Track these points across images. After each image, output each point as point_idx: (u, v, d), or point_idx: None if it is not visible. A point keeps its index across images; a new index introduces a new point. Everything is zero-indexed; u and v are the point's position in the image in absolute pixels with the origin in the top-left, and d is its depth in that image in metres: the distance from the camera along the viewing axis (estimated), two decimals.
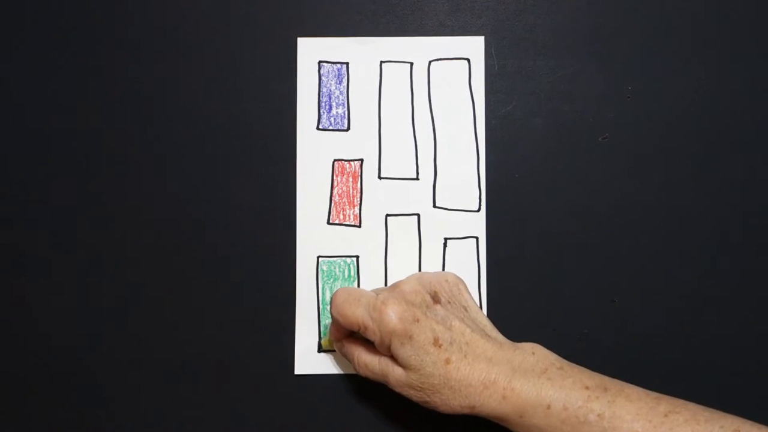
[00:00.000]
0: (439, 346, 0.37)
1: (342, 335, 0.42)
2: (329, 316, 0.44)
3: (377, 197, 0.45)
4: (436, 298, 0.39)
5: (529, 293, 0.44)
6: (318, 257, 0.44)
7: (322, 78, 0.45)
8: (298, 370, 0.44)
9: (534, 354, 0.37)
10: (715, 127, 0.44)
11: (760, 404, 0.35)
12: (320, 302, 0.44)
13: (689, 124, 0.44)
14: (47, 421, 0.44)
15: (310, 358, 0.44)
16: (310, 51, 0.45)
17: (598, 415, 0.34)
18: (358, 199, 0.45)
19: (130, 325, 0.44)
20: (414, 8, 0.45)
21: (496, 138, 0.45)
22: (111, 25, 0.45)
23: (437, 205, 0.45)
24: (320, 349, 0.44)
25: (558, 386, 0.35)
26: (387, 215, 0.45)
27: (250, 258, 0.44)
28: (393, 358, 0.38)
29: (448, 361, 0.36)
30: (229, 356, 0.44)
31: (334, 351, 0.44)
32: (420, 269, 0.44)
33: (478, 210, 0.44)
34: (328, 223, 0.45)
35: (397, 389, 0.38)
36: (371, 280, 0.44)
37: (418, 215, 0.45)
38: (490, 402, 0.36)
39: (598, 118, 0.44)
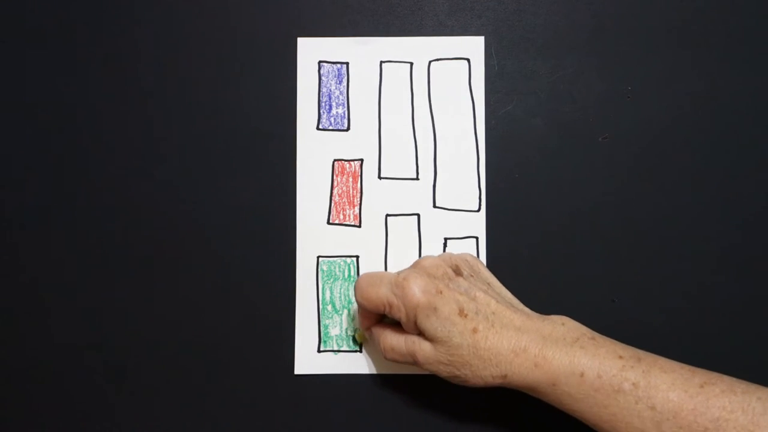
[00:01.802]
0: (465, 316, 0.36)
1: (370, 322, 0.41)
2: (330, 315, 0.44)
3: (377, 197, 0.45)
4: (457, 272, 0.39)
5: (529, 293, 0.44)
6: (318, 257, 0.44)
7: (322, 78, 0.45)
8: (298, 370, 0.44)
9: (564, 325, 0.37)
10: (715, 127, 0.44)
11: None
12: (320, 302, 0.44)
13: (689, 124, 0.44)
14: (47, 422, 0.44)
15: (310, 358, 0.44)
16: (310, 51, 0.45)
17: (633, 384, 0.34)
18: (358, 199, 0.45)
19: (130, 325, 0.44)
20: (414, 8, 0.45)
21: (496, 138, 0.45)
22: (111, 25, 0.45)
23: (437, 205, 0.45)
24: (355, 345, 0.44)
25: (591, 355, 0.35)
26: (387, 215, 0.45)
27: (250, 258, 0.44)
28: (420, 335, 0.38)
29: (475, 331, 0.36)
30: (230, 356, 0.44)
31: (360, 347, 0.44)
32: None
33: (478, 210, 0.44)
34: (328, 223, 0.45)
35: (426, 366, 0.38)
36: None
37: (418, 215, 0.45)
38: (521, 370, 0.35)
39: (598, 118, 0.44)
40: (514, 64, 0.45)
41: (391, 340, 0.39)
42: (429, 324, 0.37)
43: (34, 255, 0.44)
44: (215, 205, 0.44)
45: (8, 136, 0.45)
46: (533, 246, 0.44)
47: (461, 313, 0.36)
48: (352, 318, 0.44)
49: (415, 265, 0.39)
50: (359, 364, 0.44)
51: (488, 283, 0.40)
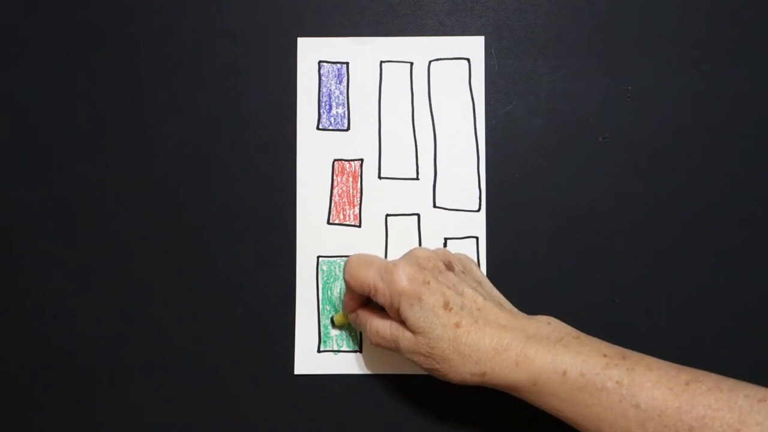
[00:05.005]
0: (449, 310, 0.36)
1: (356, 305, 0.41)
2: (330, 314, 0.44)
3: (377, 197, 0.45)
4: (449, 267, 0.38)
5: (529, 293, 0.44)
6: (318, 257, 0.44)
7: (322, 78, 0.45)
8: (298, 370, 0.44)
9: (549, 324, 0.37)
10: (715, 127, 0.44)
11: None
12: (320, 302, 0.44)
13: (689, 124, 0.44)
14: (47, 422, 0.44)
15: (310, 358, 0.44)
16: (310, 51, 0.45)
17: (617, 382, 0.33)
18: (358, 199, 0.45)
19: (130, 326, 0.44)
20: (414, 8, 0.45)
21: (496, 138, 0.45)
22: (111, 25, 0.45)
23: (437, 205, 0.45)
24: (333, 326, 0.44)
25: (574, 353, 0.34)
26: (387, 215, 0.45)
27: (250, 258, 0.44)
28: (403, 323, 0.37)
29: (458, 325, 0.36)
30: (229, 356, 0.44)
31: (342, 329, 0.44)
32: None
33: (478, 210, 0.44)
34: (328, 223, 0.45)
35: (407, 356, 0.38)
36: None
37: (418, 215, 0.45)
38: (502, 369, 0.35)
39: (598, 118, 0.44)
40: (514, 64, 0.45)
41: (377, 324, 0.39)
42: (412, 313, 0.36)
43: (33, 256, 0.44)
44: (215, 205, 0.44)
45: (7, 136, 0.45)
46: (533, 246, 0.44)
47: (446, 306, 0.36)
48: (338, 300, 0.44)
49: (407, 254, 0.39)
50: (359, 364, 0.44)
51: (478, 282, 0.40)
